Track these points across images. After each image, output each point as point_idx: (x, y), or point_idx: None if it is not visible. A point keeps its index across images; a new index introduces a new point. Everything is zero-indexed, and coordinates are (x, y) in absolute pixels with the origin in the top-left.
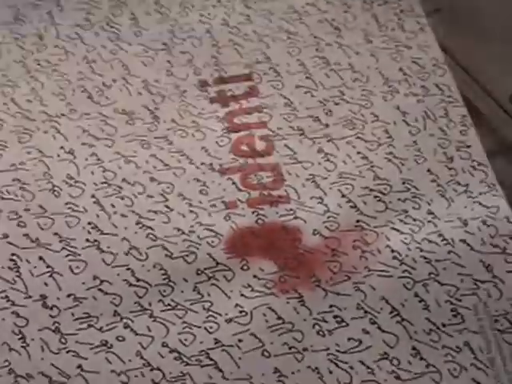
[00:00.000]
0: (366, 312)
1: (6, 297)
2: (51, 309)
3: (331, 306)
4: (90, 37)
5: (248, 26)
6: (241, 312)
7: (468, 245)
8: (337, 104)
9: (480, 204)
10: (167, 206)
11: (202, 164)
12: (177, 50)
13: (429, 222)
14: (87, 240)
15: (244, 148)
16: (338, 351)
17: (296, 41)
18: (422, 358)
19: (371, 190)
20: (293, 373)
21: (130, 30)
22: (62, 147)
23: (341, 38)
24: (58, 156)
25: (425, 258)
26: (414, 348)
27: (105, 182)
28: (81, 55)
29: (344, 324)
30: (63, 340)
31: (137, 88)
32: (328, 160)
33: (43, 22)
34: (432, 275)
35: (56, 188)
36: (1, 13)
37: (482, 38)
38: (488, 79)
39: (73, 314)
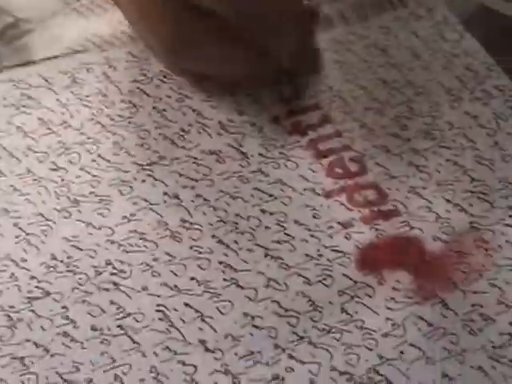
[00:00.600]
0: (507, 306)
1: (167, 347)
2: (214, 352)
3: (473, 305)
4: (152, 89)
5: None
6: (393, 325)
7: None
8: (409, 119)
9: None
10: (288, 234)
11: (305, 190)
12: (242, 92)
13: None
14: (224, 279)
15: (339, 171)
16: (493, 347)
17: (349, 68)
18: None
19: (472, 192)
20: (459, 375)
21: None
22: (165, 193)
23: (390, 58)
24: (165, 202)
25: None
26: None
27: (220, 221)
28: (149, 106)
29: (490, 321)
30: (236, 380)
31: (215, 129)
32: (422, 171)
33: (101, 82)
34: None
35: (176, 234)
36: (57, 79)
37: None
38: None
39: (236, 354)
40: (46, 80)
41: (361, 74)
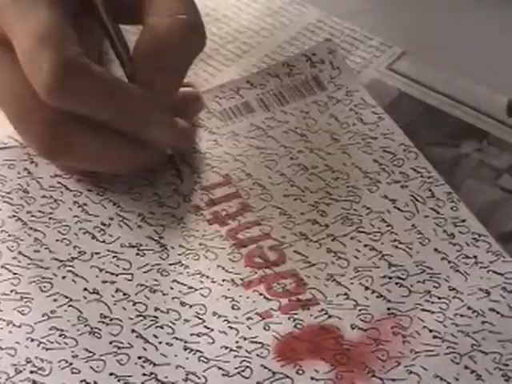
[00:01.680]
0: None
1: None
2: None
3: None
4: (73, 183)
5: (219, 149)
6: None
7: (498, 312)
8: (328, 204)
9: (494, 272)
10: (206, 327)
11: (224, 281)
12: (161, 182)
13: (454, 297)
14: (144, 374)
15: (257, 260)
16: None
17: (269, 154)
18: None
19: (390, 277)
20: None
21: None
22: (85, 289)
23: (310, 143)
24: (85, 298)
25: (462, 331)
26: None
27: (139, 315)
28: (70, 201)
29: None
30: None
31: (135, 222)
32: (339, 258)
33: (22, 178)
34: (474, 347)
35: (95, 329)
36: None
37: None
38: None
39: None
40: None
41: (280, 160)
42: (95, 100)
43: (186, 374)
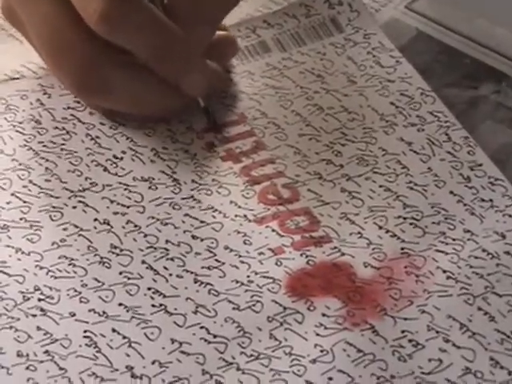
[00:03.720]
0: (437, 332)
1: (93, 373)
2: (141, 378)
3: (403, 332)
4: (86, 116)
5: (234, 88)
6: (322, 351)
7: None
8: (343, 145)
9: (510, 216)
10: (217, 260)
11: (237, 216)
12: (175, 120)
13: (468, 239)
14: (153, 305)
15: (271, 197)
16: (422, 373)
17: (285, 94)
18: (502, 367)
19: (404, 218)
20: None
21: None
22: (96, 219)
23: (326, 84)
24: (95, 228)
25: (476, 273)
26: (491, 358)
27: (150, 247)
28: (82, 133)
29: (420, 346)
30: None
31: (148, 156)
32: (354, 197)
33: (35, 109)
34: (488, 288)
35: (105, 259)
36: None
37: None
38: None
39: (163, 380)
40: None
41: (296, 100)
42: (144, 34)
43: (196, 307)
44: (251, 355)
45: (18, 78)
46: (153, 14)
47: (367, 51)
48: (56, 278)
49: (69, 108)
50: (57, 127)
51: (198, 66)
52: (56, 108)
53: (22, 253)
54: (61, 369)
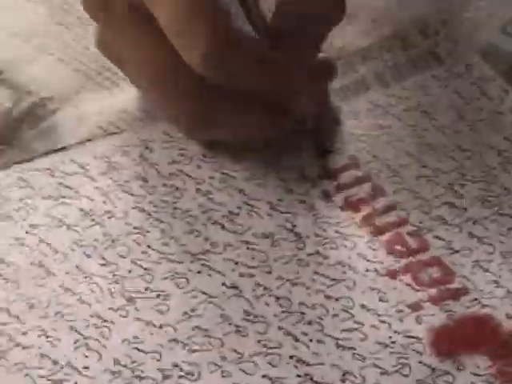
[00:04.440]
0: None
1: None
2: None
3: None
4: (193, 170)
5: (341, 129)
6: None
7: None
8: (463, 186)
9: None
10: (357, 322)
11: (368, 271)
12: (285, 164)
13: None
14: (298, 375)
15: (399, 248)
16: None
17: (393, 133)
18: None
19: None
20: None
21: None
22: (223, 283)
23: (434, 121)
24: (224, 294)
25: None
26: None
27: (285, 311)
28: (193, 189)
29: None
30: None
31: (265, 210)
32: (484, 243)
33: (139, 165)
34: None
35: (240, 328)
36: (93, 165)
37: None
38: None
39: None
40: (82, 167)
41: (406, 139)
42: (248, 70)
43: (343, 374)
44: None
45: (115, 133)
46: (255, 46)
47: (470, 82)
48: (193, 351)
49: (174, 162)
50: (165, 184)
51: (304, 88)
52: (160, 163)
53: (154, 326)
54: None
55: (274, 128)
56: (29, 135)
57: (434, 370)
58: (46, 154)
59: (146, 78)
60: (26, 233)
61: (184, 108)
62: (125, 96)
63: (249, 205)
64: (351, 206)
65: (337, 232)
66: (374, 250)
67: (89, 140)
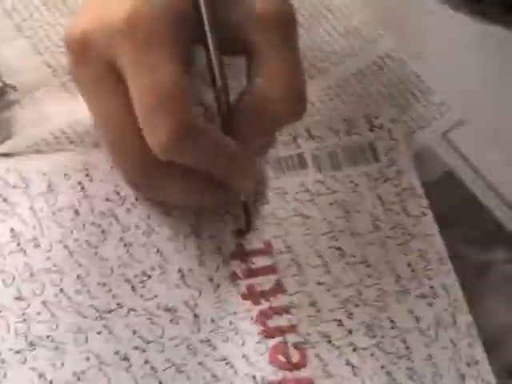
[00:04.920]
0: None
1: None
2: None
3: None
4: (123, 214)
5: (266, 207)
6: None
7: None
8: (356, 305)
9: None
10: None
11: (246, 375)
12: (205, 235)
13: None
14: None
15: (281, 358)
16: None
17: (312, 227)
18: None
19: None
20: None
21: (159, 208)
22: (117, 352)
23: (352, 224)
24: (115, 364)
25: None
26: None
27: None
28: (117, 236)
29: None
30: None
31: (174, 279)
32: (356, 375)
33: (75, 194)
34: None
35: None
36: (34, 181)
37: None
38: None
39: None
40: (24, 181)
41: (321, 238)
42: (204, 158)
43: None
44: None
45: (62, 150)
46: (212, 139)
47: (396, 192)
48: None
49: (108, 200)
50: (94, 223)
51: (251, 173)
52: (96, 196)
53: (45, 380)
54: None
55: (215, 200)
56: None
57: None
58: None
59: (102, 129)
60: None
61: (131, 174)
62: (85, 107)
63: (162, 268)
64: (252, 296)
65: (231, 323)
66: (259, 354)
67: (37, 152)
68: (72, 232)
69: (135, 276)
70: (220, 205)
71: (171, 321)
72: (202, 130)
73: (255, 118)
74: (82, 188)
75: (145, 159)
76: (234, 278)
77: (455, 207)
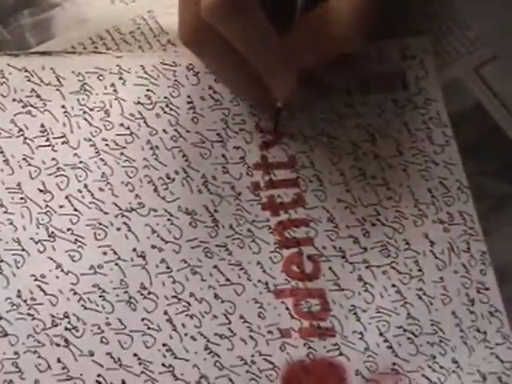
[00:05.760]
0: None
1: None
2: None
3: None
4: (152, 118)
5: (293, 123)
6: None
7: None
8: (373, 225)
9: (497, 357)
10: (230, 330)
11: (259, 281)
12: (231, 144)
13: (453, 372)
14: (163, 364)
15: (294, 268)
16: None
17: (337, 146)
18: None
19: (405, 330)
20: None
21: (188, 116)
22: (134, 249)
23: (376, 148)
24: (132, 260)
25: None
26: None
27: (175, 296)
28: (144, 138)
29: None
30: None
31: (197, 184)
32: (367, 290)
33: (107, 95)
34: None
35: (132, 300)
36: (68, 80)
37: None
38: None
39: None
40: (58, 79)
41: (345, 157)
42: (244, 36)
43: (200, 377)
44: None
45: (98, 53)
46: (258, 20)
47: (423, 120)
48: (86, 308)
49: (139, 103)
50: (122, 124)
51: (288, 76)
52: (127, 99)
53: (62, 270)
54: None
55: (252, 93)
56: (24, 24)
57: None
58: (32, 53)
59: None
60: None
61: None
62: (127, 9)
63: (186, 173)
64: (272, 207)
65: (249, 231)
66: (273, 262)
67: (73, 52)
68: (100, 131)
69: (159, 178)
70: (256, 101)
71: (190, 223)
72: (250, 7)
73: (314, 39)
74: (115, 90)
75: (198, 21)
76: (255, 188)
77: (480, 139)
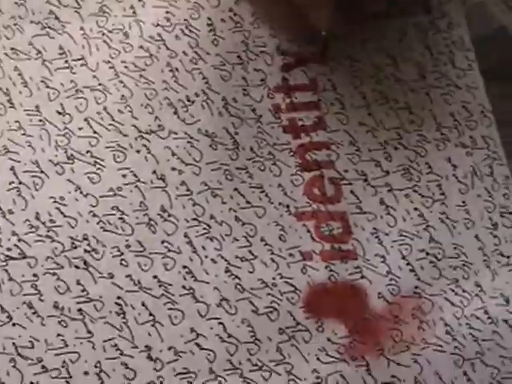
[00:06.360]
0: None
1: (115, 345)
2: (155, 361)
3: (393, 377)
4: (171, 40)
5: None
6: (317, 378)
7: (509, 326)
8: (396, 149)
9: None
10: (251, 252)
11: (280, 204)
12: (251, 67)
13: (476, 295)
14: (183, 287)
15: (316, 191)
16: None
17: (359, 69)
18: None
19: (427, 253)
20: None
21: (208, 38)
22: (154, 171)
23: (398, 72)
24: (152, 183)
25: (473, 335)
26: None
27: (195, 219)
28: (164, 61)
29: None
30: None
31: (218, 106)
32: (389, 213)
33: (126, 17)
34: (478, 355)
35: (152, 222)
36: (88, 1)
37: None
38: None
39: (174, 369)
40: (77, 1)
41: (366, 80)
42: None
43: (221, 300)
44: (255, 364)
45: None
46: None
47: (446, 43)
48: (105, 230)
49: (158, 25)
50: (142, 46)
51: (329, 5)
52: (146, 21)
53: (81, 193)
54: (88, 332)
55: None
56: None
57: (297, 323)
58: None
59: None
60: (5, 55)
61: None
62: None
63: (206, 95)
64: (293, 130)
65: (270, 154)
66: (294, 185)
67: None
68: (119, 53)
69: (179, 100)
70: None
71: (210, 146)
72: None
73: None
74: (134, 12)
75: None
76: (276, 110)
77: (503, 63)
